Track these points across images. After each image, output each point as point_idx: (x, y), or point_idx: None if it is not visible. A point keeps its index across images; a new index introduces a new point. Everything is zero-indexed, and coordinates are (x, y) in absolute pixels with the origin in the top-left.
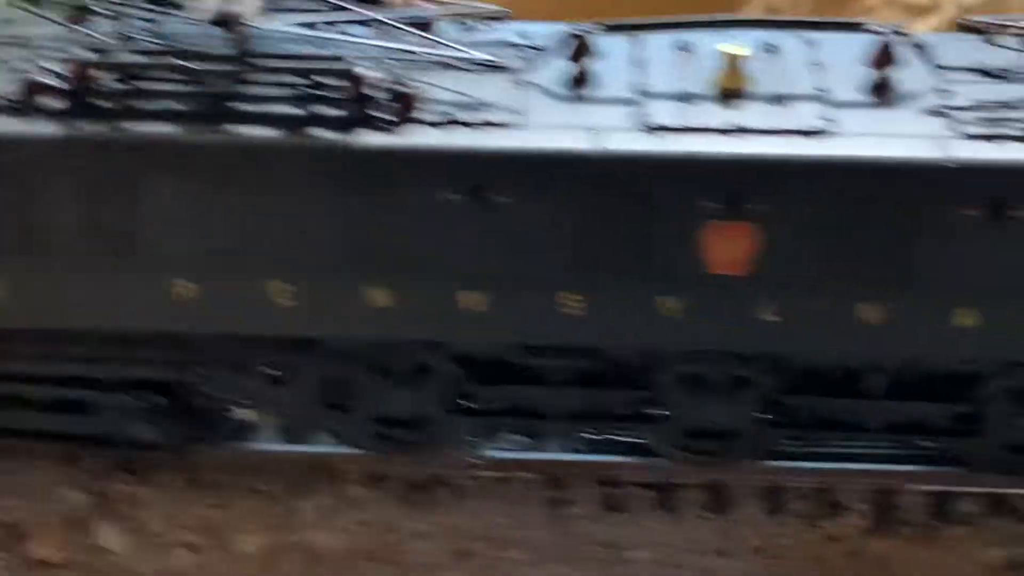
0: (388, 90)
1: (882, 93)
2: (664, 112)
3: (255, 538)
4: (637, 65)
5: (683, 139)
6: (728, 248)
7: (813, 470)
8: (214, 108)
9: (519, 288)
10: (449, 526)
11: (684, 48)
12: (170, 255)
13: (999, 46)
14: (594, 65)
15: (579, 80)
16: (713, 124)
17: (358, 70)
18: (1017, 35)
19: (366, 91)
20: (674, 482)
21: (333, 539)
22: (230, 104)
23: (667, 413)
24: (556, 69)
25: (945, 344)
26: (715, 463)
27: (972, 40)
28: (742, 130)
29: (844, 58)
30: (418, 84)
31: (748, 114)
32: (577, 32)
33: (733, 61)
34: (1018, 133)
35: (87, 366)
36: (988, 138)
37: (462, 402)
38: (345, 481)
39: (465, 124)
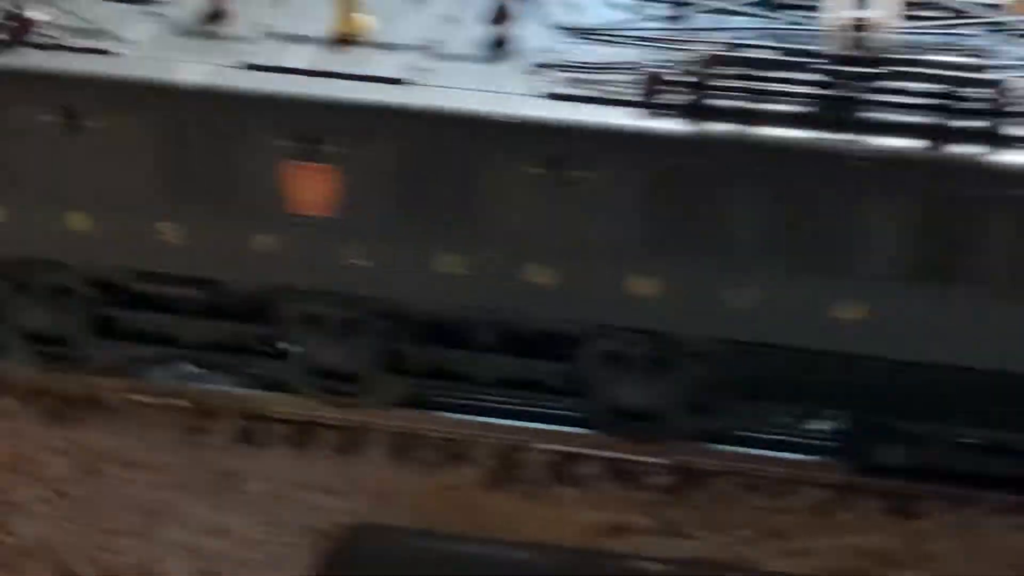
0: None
1: (496, 48)
2: (269, 52)
3: None
4: (277, 6)
5: (271, 78)
6: (308, 189)
7: (444, 420)
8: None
9: (122, 214)
10: (86, 444)
11: None
12: None
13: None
14: (232, 3)
15: (213, 16)
16: (304, 66)
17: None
18: None
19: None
20: (311, 420)
21: None
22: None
23: (297, 350)
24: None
25: (524, 300)
26: (349, 404)
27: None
28: (328, 74)
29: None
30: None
31: (345, 59)
32: None
33: (347, 8)
34: (602, 95)
35: None
36: (569, 98)
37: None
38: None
39: (67, 48)
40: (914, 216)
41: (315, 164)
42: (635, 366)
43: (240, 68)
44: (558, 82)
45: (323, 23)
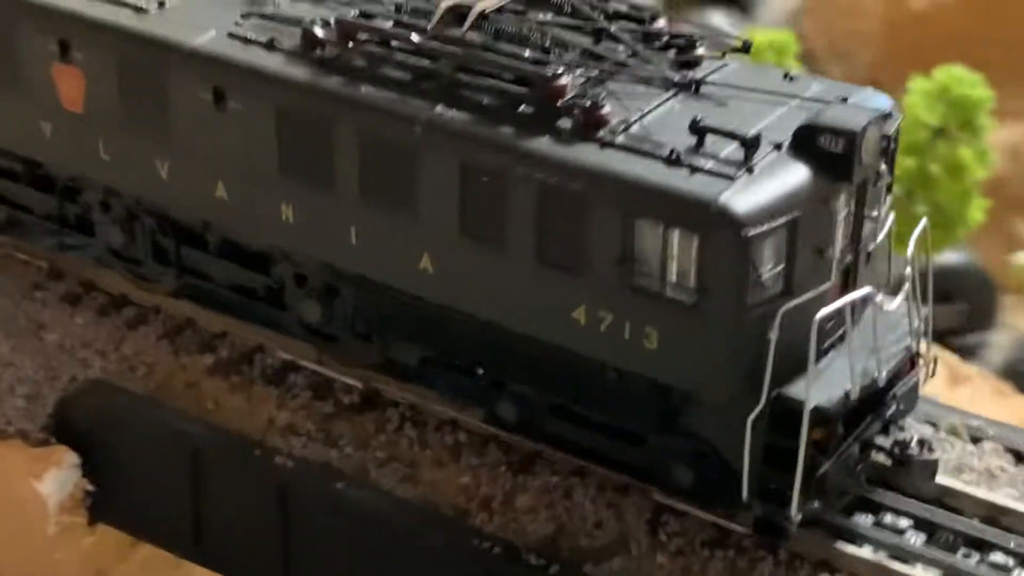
0: None
1: None
2: None
3: None
4: None
5: None
6: (67, 88)
7: (206, 315)
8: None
9: None
10: None
11: None
12: None
13: None
14: None
15: None
16: None
17: None
18: None
19: None
20: (122, 296)
21: None
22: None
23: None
24: None
25: (216, 214)
26: (144, 288)
27: None
28: None
29: None
30: None
31: None
32: None
33: None
34: (268, 42)
35: None
36: (241, 39)
37: None
38: None
39: None
40: (455, 182)
41: (69, 66)
42: (313, 288)
43: None
44: (248, 28)
45: None
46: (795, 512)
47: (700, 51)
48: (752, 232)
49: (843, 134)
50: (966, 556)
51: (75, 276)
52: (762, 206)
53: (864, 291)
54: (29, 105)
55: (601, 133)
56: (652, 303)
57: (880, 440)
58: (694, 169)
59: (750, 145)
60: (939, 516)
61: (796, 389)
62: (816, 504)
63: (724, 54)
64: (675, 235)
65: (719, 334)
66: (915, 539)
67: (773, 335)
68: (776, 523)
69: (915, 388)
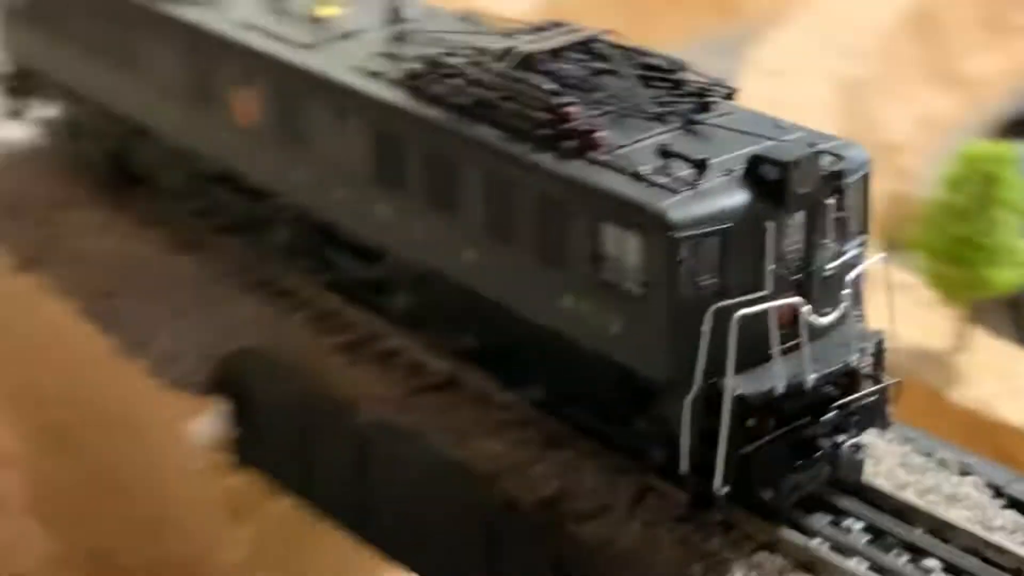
0: None
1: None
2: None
3: None
4: None
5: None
6: (241, 105)
7: None
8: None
9: None
10: None
11: None
12: None
13: None
14: None
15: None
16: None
17: None
18: None
19: None
20: None
21: None
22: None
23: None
24: None
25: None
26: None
27: None
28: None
29: None
30: None
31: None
32: None
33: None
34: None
35: None
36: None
37: None
38: None
39: None
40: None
41: (246, 90)
42: (404, 280)
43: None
44: (372, 63)
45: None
46: (718, 485)
47: (714, 98)
48: (681, 235)
49: (778, 164)
50: (897, 556)
51: (262, 269)
52: (694, 215)
53: (790, 301)
54: (222, 123)
55: (593, 154)
56: (614, 294)
57: (822, 441)
58: (650, 184)
59: (699, 167)
60: (887, 524)
61: (729, 380)
62: (767, 493)
63: (729, 96)
64: (628, 236)
65: (658, 322)
66: (860, 539)
67: (705, 328)
68: (706, 495)
69: (877, 408)
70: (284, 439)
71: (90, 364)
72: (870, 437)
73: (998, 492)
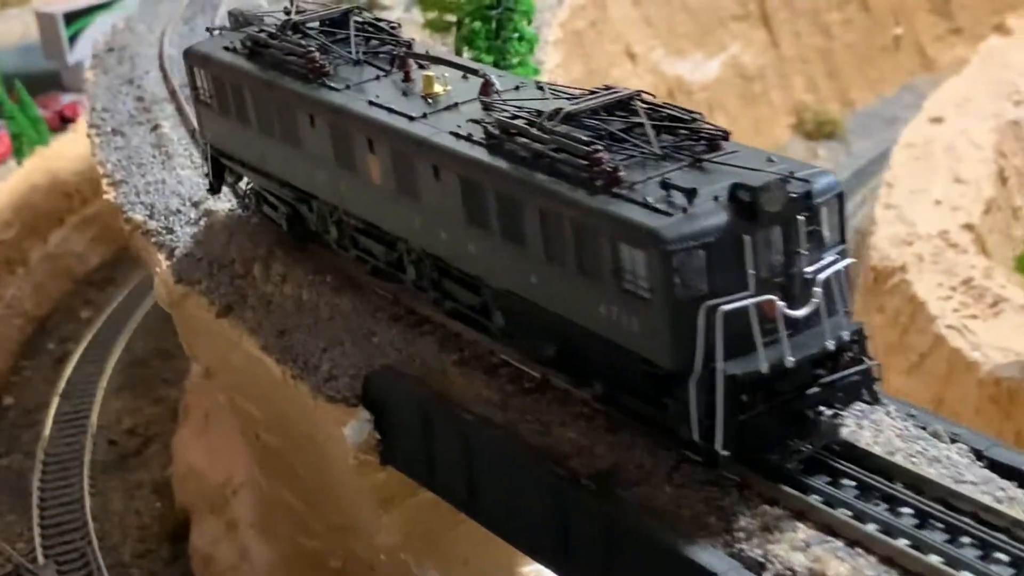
0: None
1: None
2: (385, 97)
3: None
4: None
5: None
6: (372, 168)
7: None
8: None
9: None
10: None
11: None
12: None
13: None
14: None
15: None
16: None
17: None
18: None
19: None
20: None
21: None
22: None
23: None
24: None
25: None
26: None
27: None
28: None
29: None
30: None
31: (411, 106)
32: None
33: (429, 82)
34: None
35: None
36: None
37: None
38: None
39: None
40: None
41: (373, 155)
42: (496, 302)
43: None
44: (464, 127)
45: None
46: (719, 446)
47: (723, 142)
48: (674, 248)
49: (750, 189)
50: (875, 506)
51: (403, 303)
52: (684, 233)
53: (765, 297)
54: (360, 183)
55: (616, 189)
56: (633, 300)
57: (808, 412)
58: (653, 210)
59: (690, 195)
60: (872, 480)
61: (719, 363)
62: (772, 456)
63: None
64: (637, 252)
65: (663, 319)
66: (849, 494)
67: (700, 322)
68: (713, 457)
69: (863, 385)
70: (413, 439)
71: (278, 390)
72: (878, 415)
73: (978, 455)
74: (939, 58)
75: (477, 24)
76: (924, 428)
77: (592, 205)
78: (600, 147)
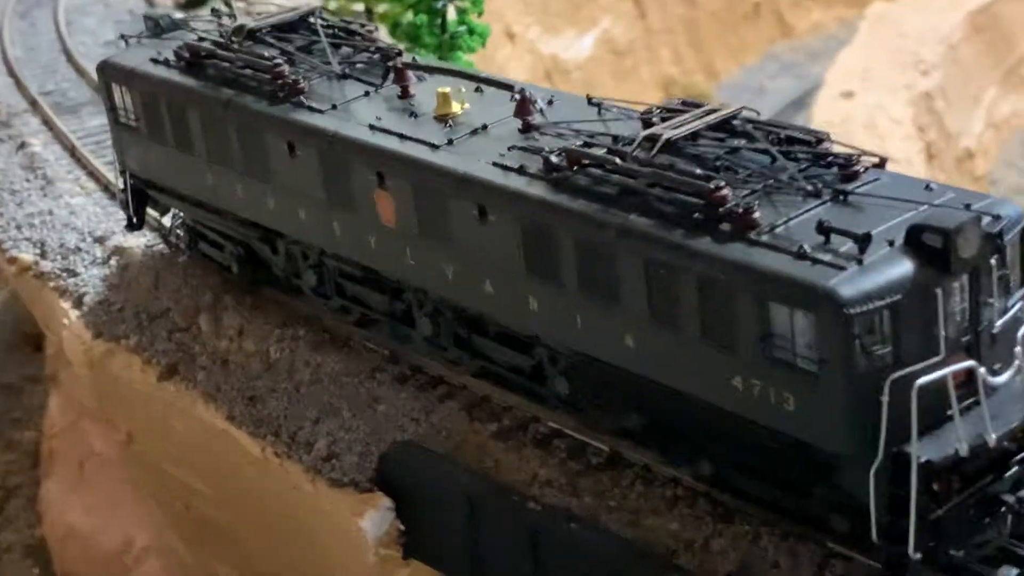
0: None
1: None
2: (388, 120)
3: None
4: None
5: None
6: (383, 207)
7: None
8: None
9: None
10: None
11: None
12: None
13: None
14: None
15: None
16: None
17: None
18: None
19: None
20: None
21: None
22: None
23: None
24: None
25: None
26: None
27: None
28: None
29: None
30: None
31: (425, 129)
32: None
33: (444, 101)
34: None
35: None
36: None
37: None
38: None
39: None
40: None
41: (384, 191)
42: (561, 366)
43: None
44: (509, 157)
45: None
46: (913, 550)
47: (857, 167)
48: (854, 311)
49: (941, 232)
50: None
51: (407, 361)
52: (865, 290)
53: (966, 364)
54: (362, 223)
55: (751, 234)
56: (788, 372)
57: (1006, 496)
58: (815, 261)
59: (862, 241)
60: None
61: (914, 448)
62: (955, 552)
63: (870, 167)
64: (799, 315)
65: (838, 397)
66: None
67: (884, 399)
68: (900, 561)
69: None
70: (452, 530)
71: (247, 467)
72: None
73: None
74: (797, 24)
75: (421, 17)
76: None
77: (725, 256)
78: (720, 181)
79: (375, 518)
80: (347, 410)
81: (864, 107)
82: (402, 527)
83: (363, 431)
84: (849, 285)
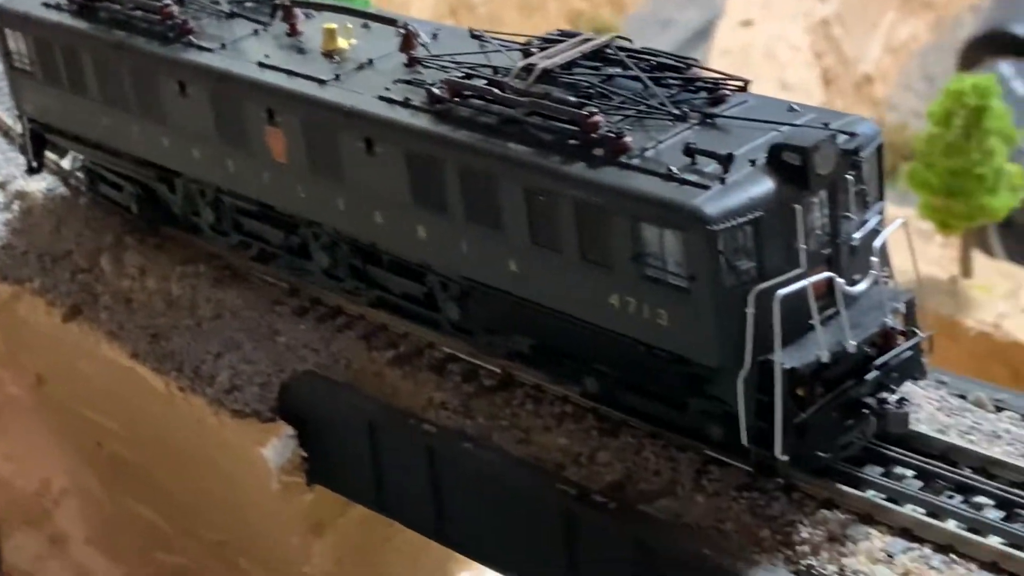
0: None
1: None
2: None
3: None
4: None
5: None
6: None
7: None
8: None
9: None
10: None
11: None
12: None
13: None
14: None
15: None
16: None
17: None
18: None
19: None
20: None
21: None
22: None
23: None
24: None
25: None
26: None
27: None
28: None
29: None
30: None
31: (313, 66)
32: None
33: (331, 35)
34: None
35: None
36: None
37: None
38: None
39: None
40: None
41: (275, 128)
42: (452, 292)
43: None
44: (394, 90)
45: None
46: (779, 452)
47: (724, 91)
48: (718, 227)
49: (799, 150)
50: (949, 497)
51: (306, 293)
52: (728, 208)
53: (824, 275)
54: (254, 160)
55: (623, 158)
56: (660, 289)
57: (867, 399)
58: (681, 182)
59: (725, 161)
60: (936, 468)
61: (778, 356)
62: (821, 453)
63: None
64: (668, 233)
65: (707, 311)
66: (912, 486)
67: (750, 311)
68: (769, 463)
69: (913, 360)
70: (353, 455)
71: (153, 403)
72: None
73: None
74: None
75: None
76: (963, 397)
77: (599, 180)
78: (594, 108)
79: (278, 447)
80: (248, 343)
81: (763, 35)
82: (305, 454)
83: (264, 363)
84: (713, 204)
